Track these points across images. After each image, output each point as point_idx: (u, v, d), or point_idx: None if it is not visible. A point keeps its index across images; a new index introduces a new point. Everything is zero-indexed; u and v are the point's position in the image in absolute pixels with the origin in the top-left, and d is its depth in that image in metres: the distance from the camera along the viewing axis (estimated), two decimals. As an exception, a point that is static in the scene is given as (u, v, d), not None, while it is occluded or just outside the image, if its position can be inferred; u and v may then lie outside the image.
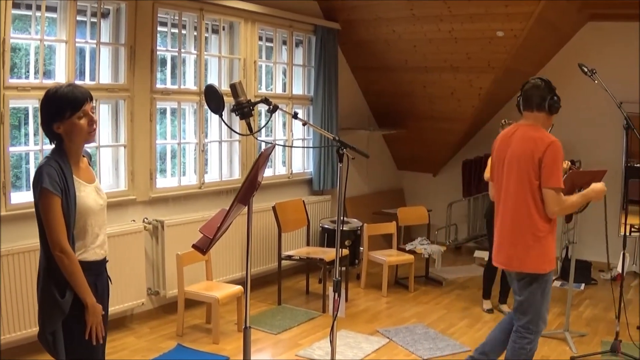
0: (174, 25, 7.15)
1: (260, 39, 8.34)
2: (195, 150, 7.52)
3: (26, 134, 6.01)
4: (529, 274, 4.84)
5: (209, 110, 3.94)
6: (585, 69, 6.34)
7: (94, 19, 6.27)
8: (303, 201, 8.46)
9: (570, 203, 4.84)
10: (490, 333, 5.42)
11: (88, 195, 3.49)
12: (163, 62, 7.25)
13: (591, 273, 9.48)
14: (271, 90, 8.68)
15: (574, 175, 6.33)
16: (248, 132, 3.92)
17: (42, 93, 3.49)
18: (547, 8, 7.98)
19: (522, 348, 4.95)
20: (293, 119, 4.54)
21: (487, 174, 7.50)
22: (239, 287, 6.66)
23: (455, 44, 8.99)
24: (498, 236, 5.03)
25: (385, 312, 7.71)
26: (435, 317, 7.56)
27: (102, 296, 3.62)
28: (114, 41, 6.51)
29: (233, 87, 3.81)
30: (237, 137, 7.99)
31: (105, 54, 6.48)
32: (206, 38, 7.55)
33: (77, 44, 6.09)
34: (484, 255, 8.11)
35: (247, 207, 3.79)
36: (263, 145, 8.13)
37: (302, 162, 9.32)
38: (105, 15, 6.44)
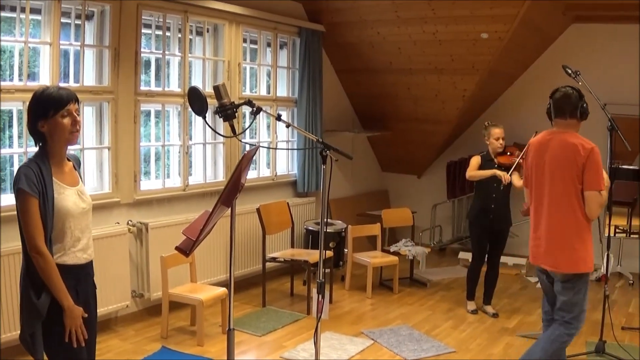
0: (158, 27, 7.18)
1: (245, 41, 8.38)
2: (179, 152, 7.55)
3: (10, 137, 6.02)
4: (576, 274, 5.00)
5: (193, 112, 3.97)
6: (569, 71, 6.43)
7: (78, 21, 6.29)
8: (287, 203, 8.50)
9: (605, 199, 5.04)
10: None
11: (67, 197, 3.52)
12: (147, 64, 7.28)
13: (575, 274, 9.50)
14: (255, 92, 8.70)
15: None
16: (232, 134, 3.95)
17: (26, 95, 3.55)
18: (531, 10, 8.06)
19: (560, 335, 5.12)
20: (277, 121, 4.58)
21: (470, 173, 7.59)
22: (223, 289, 6.69)
23: (440, 46, 9.06)
24: (545, 240, 5.14)
25: (370, 314, 7.75)
26: (420, 318, 7.61)
27: (86, 300, 3.64)
28: (98, 43, 6.54)
29: (216, 89, 3.85)
30: (221, 139, 8.02)
31: (89, 56, 6.51)
32: (190, 40, 7.58)
33: (61, 46, 6.12)
34: (469, 256, 8.17)
35: (230, 209, 3.82)
36: (247, 147, 8.16)
37: (286, 164, 9.37)
38: (89, 17, 6.46)
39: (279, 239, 8.58)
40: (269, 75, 8.92)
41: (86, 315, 3.56)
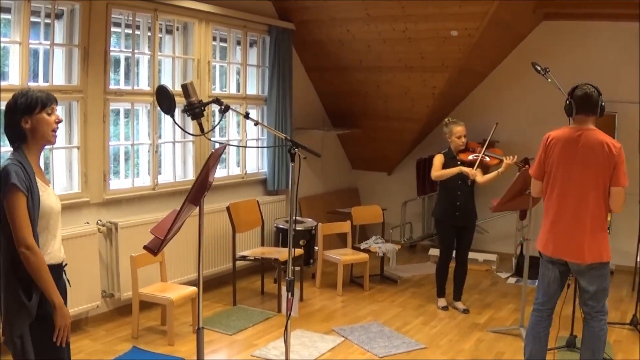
0: (127, 26, 7.19)
1: (214, 39, 8.40)
2: (148, 151, 7.56)
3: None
4: (602, 263, 5.24)
5: (162, 111, 4.01)
6: (539, 68, 6.57)
7: (48, 20, 6.28)
8: (257, 201, 8.56)
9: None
10: (530, 347, 5.71)
11: (50, 196, 3.57)
12: (117, 63, 7.29)
13: (546, 269, 9.64)
14: (225, 90, 8.75)
15: (527, 174, 6.58)
16: (200, 133, 3.99)
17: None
18: (501, 8, 8.17)
19: (602, 329, 5.39)
20: (246, 119, 4.62)
21: (436, 173, 7.65)
22: (193, 288, 6.72)
23: (410, 44, 9.13)
24: (573, 232, 5.28)
25: (341, 311, 7.81)
26: (391, 315, 7.68)
27: (64, 300, 3.64)
28: (68, 42, 6.54)
29: (184, 87, 3.89)
30: (190, 137, 8.05)
31: (59, 55, 6.51)
32: (160, 38, 7.61)
33: (30, 45, 6.12)
34: (438, 252, 8.27)
35: (198, 207, 3.86)
36: (216, 146, 8.17)
37: (256, 162, 9.41)
38: (59, 16, 6.47)
39: (249, 237, 8.61)
40: (238, 73, 8.94)
41: (70, 316, 3.59)
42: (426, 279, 9.31)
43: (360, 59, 9.75)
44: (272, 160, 9.26)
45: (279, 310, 7.53)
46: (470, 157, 7.67)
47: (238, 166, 9.10)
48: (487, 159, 7.66)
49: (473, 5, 8.10)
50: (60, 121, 3.61)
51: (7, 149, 3.72)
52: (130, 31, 7.19)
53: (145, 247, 3.70)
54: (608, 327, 5.59)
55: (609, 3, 8.96)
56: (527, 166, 6.98)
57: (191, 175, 8.12)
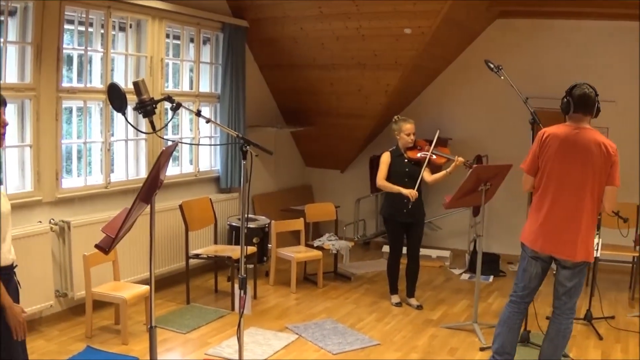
0: (81, 23, 7.18)
1: (168, 36, 8.43)
2: (101, 149, 7.57)
3: None
4: (585, 262, 5.41)
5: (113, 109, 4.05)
6: (492, 66, 6.70)
7: (1, 17, 6.25)
8: (210, 199, 8.60)
9: None
10: (502, 335, 5.83)
11: (1, 197, 3.58)
12: (70, 60, 7.28)
13: (499, 265, 9.92)
14: (178, 88, 8.78)
15: (479, 170, 6.72)
16: (152, 130, 4.04)
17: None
18: (455, 6, 8.31)
19: (568, 328, 5.58)
20: (198, 117, 4.68)
21: (380, 183, 7.78)
22: (146, 287, 6.75)
23: (363, 42, 9.24)
24: (564, 230, 5.41)
25: (295, 308, 7.90)
26: (344, 312, 7.79)
27: (15, 301, 3.67)
28: (21, 40, 6.52)
29: (136, 85, 3.94)
30: (143, 135, 8.05)
31: (11, 52, 6.50)
32: (113, 36, 7.60)
33: (-17, 43, 6.10)
34: None
35: (150, 205, 3.91)
36: (169, 144, 8.20)
37: (209, 160, 9.46)
38: (12, 13, 6.45)
39: (202, 235, 8.63)
40: (192, 71, 8.99)
41: (26, 312, 3.62)
42: (379, 275, 9.42)
43: (314, 56, 9.83)
44: (225, 158, 9.30)
45: (233, 309, 7.55)
46: (419, 154, 7.77)
47: (191, 164, 9.14)
48: (435, 157, 7.76)
49: (426, 4, 8.23)
50: (6, 124, 3.61)
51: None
52: (83, 28, 7.19)
53: (96, 246, 3.71)
54: None
55: (562, 2, 9.16)
56: (474, 166, 7.11)
57: (144, 174, 8.12)
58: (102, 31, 7.42)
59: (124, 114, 3.94)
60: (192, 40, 8.89)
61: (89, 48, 7.30)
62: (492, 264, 9.73)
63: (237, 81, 9.24)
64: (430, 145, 7.80)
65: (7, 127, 3.63)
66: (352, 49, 9.43)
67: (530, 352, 6.48)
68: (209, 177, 9.33)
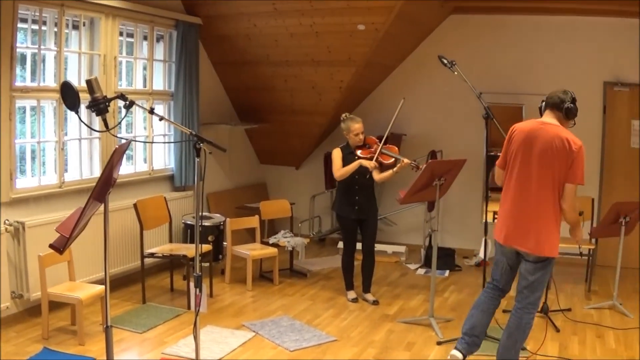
0: (34, 22, 7.16)
1: (121, 34, 8.42)
2: (55, 148, 7.56)
3: None
4: (548, 257, 5.53)
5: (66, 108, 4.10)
6: (445, 61, 6.85)
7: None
8: (165, 198, 8.61)
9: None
10: (475, 317, 6.02)
11: None
12: (23, 59, 7.26)
13: (455, 260, 10.13)
14: (132, 86, 8.77)
15: (434, 165, 6.87)
16: (105, 129, 4.10)
17: None
18: (408, 2, 8.43)
19: (528, 323, 5.66)
20: (151, 115, 4.74)
21: (338, 173, 7.84)
22: (102, 287, 6.68)
23: (317, 38, 9.32)
24: (522, 222, 5.61)
25: (251, 306, 7.94)
26: (301, 308, 7.89)
27: None
28: (-26, 39, 6.50)
29: (89, 83, 4.01)
30: (97, 134, 8.03)
31: (-36, 52, 6.47)
32: (67, 34, 7.58)
33: None
34: None
35: (103, 204, 3.97)
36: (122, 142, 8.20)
37: (163, 158, 9.47)
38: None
39: (157, 234, 8.61)
40: (145, 68, 8.99)
41: None
42: (335, 272, 9.49)
43: (268, 53, 9.89)
44: (179, 156, 9.33)
45: (189, 307, 7.57)
46: (368, 153, 7.86)
47: (145, 163, 9.15)
48: (382, 156, 7.84)
49: (380, 0, 8.34)
50: None
51: None
52: (36, 27, 7.19)
53: (51, 246, 3.75)
54: None
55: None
56: (420, 167, 7.24)
57: (98, 173, 8.08)
58: (56, 29, 7.40)
59: (77, 112, 3.98)
60: (145, 38, 8.88)
61: (42, 47, 7.29)
62: (447, 259, 9.92)
63: (190, 79, 9.27)
64: (380, 141, 7.90)
65: None
66: (305, 45, 9.51)
67: (488, 345, 6.59)
68: (163, 175, 9.34)
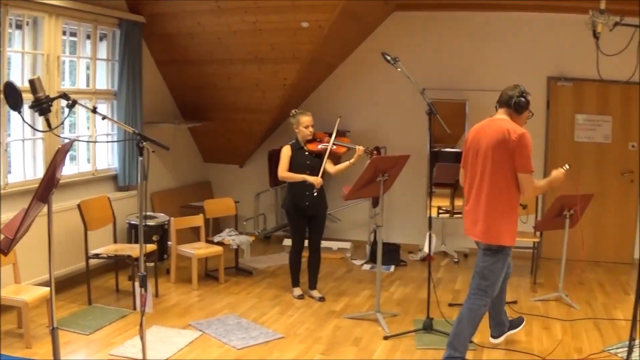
0: (-23, 22, 7.12)
1: (65, 33, 8.39)
2: (-3, 149, 7.54)
3: None
4: (500, 245, 5.82)
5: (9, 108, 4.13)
6: (389, 58, 6.99)
7: None
8: (108, 198, 8.61)
9: (538, 186, 5.94)
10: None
11: None
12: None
13: (400, 255, 10.34)
14: (75, 85, 8.74)
15: (378, 161, 7.04)
16: (48, 129, 4.15)
17: None
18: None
19: (479, 309, 5.94)
20: (94, 114, 4.79)
21: (283, 175, 7.95)
22: (47, 289, 6.63)
23: (260, 36, 9.38)
24: (473, 213, 5.97)
25: (197, 305, 8.01)
26: (247, 306, 7.98)
27: None
28: None
29: (32, 82, 4.06)
30: (40, 134, 7.99)
31: None
32: (10, 34, 7.54)
33: None
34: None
35: (47, 205, 4.02)
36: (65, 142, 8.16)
37: (106, 158, 9.46)
38: None
39: (102, 234, 8.53)
40: (88, 68, 8.97)
41: None
42: (281, 269, 9.66)
43: (211, 51, 9.94)
44: (123, 155, 9.31)
45: (135, 308, 7.55)
46: (319, 146, 8.00)
47: (88, 163, 9.14)
48: (335, 147, 7.99)
49: (324, -3, 8.49)
50: None
51: None
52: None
53: (-5, 247, 3.80)
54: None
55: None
56: (373, 157, 7.39)
57: (41, 174, 7.97)
58: (-1, 29, 7.38)
59: (20, 112, 4.03)
60: (88, 37, 8.85)
61: (-15, 47, 7.27)
62: (392, 254, 10.14)
63: (133, 77, 9.27)
64: (330, 137, 8.04)
65: None
66: (249, 43, 9.58)
67: (433, 339, 6.83)
68: (107, 175, 9.32)
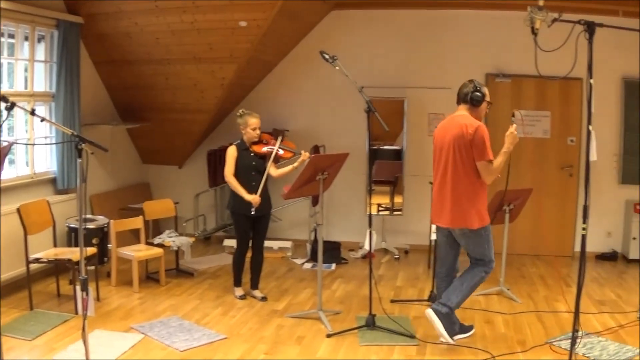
0: None
1: (2, 35, 8.32)
2: None
3: None
4: (470, 229, 6.54)
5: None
6: (327, 56, 7.15)
7: None
8: (47, 201, 8.56)
9: (498, 165, 6.51)
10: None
11: None
12: None
13: (341, 253, 10.52)
14: (13, 88, 8.71)
15: (317, 160, 7.18)
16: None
17: None
18: (290, -2, 8.76)
19: (480, 272, 6.74)
20: (32, 116, 4.83)
21: (229, 179, 8.01)
22: None
23: (198, 35, 9.46)
24: (441, 203, 6.69)
25: (139, 308, 8.03)
26: (189, 308, 8.03)
27: None
28: None
29: (-31, 86, 4.13)
30: (-23, 138, 7.95)
31: None
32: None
33: None
34: (233, 243, 8.71)
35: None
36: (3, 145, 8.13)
37: (45, 161, 9.43)
38: None
39: (42, 238, 8.45)
40: (26, 70, 8.93)
41: None
42: (222, 269, 9.78)
43: (149, 51, 9.97)
44: (61, 158, 9.30)
45: (77, 312, 7.49)
46: (265, 149, 8.08)
47: (27, 166, 9.09)
48: (281, 152, 8.09)
49: (262, -4, 8.64)
50: None
51: None
52: None
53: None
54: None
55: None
56: (312, 155, 7.52)
57: None
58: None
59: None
60: (26, 39, 8.82)
61: None
62: (333, 252, 10.34)
63: (71, 79, 9.26)
64: (276, 139, 8.15)
65: None
66: (187, 43, 9.64)
67: (376, 335, 7.01)
68: (46, 178, 9.29)
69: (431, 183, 7.08)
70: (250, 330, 7.27)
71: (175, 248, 9.53)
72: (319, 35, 11.08)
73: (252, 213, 7.92)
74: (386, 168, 11.13)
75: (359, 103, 7.34)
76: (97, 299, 8.22)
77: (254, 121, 8.06)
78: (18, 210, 7.94)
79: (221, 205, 11.68)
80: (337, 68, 7.09)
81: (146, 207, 9.69)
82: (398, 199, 11.14)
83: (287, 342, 6.89)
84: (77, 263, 7.28)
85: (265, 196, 8.15)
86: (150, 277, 9.31)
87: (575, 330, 5.38)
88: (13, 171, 8.84)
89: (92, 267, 8.38)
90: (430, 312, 6.64)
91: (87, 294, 4.60)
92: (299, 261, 10.43)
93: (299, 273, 9.77)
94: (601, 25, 5.08)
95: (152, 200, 11.04)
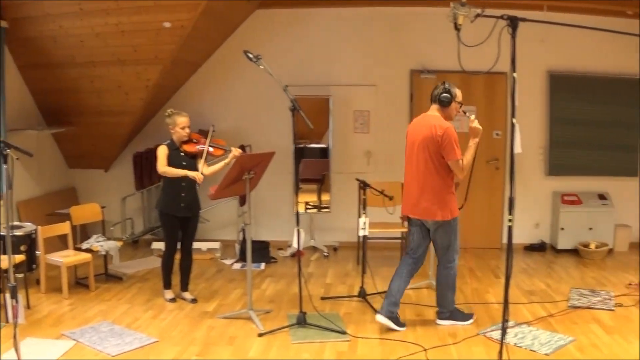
0: None
1: None
2: None
3: None
4: (441, 221, 7.08)
5: None
6: (251, 56, 7.29)
7: None
8: (-28, 209, 8.52)
9: (468, 161, 7.02)
10: (393, 279, 7.34)
11: None
12: None
13: (270, 252, 10.71)
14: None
15: (242, 159, 7.32)
16: None
17: None
18: (214, -1, 8.90)
19: (449, 273, 7.34)
20: None
21: (163, 169, 8.04)
22: None
23: (123, 37, 9.48)
24: (414, 197, 7.17)
25: (69, 314, 7.97)
26: (119, 312, 8.03)
27: None
28: None
29: None
30: None
31: None
32: None
33: None
34: (162, 246, 8.71)
35: None
36: None
37: (-30, 168, 9.29)
38: None
39: None
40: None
41: None
42: (151, 273, 9.83)
43: (73, 54, 9.93)
44: (-15, 164, 9.17)
45: (7, 320, 7.29)
46: (197, 147, 8.15)
47: (-49, 173, 8.96)
48: (212, 149, 8.19)
49: (187, -4, 8.76)
50: None
51: None
52: None
53: None
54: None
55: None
56: (244, 152, 7.63)
57: None
58: None
59: None
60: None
61: None
62: (262, 251, 10.53)
63: (-4, 84, 9.23)
64: (205, 138, 8.24)
65: None
66: (111, 45, 9.64)
67: (308, 333, 7.17)
68: (-30, 185, 9.22)
69: (358, 180, 7.36)
70: (181, 332, 7.31)
71: (103, 253, 9.52)
72: (243, 34, 11.22)
73: (197, 186, 8.13)
74: (312, 166, 11.27)
75: (285, 102, 7.49)
76: (27, 306, 8.15)
77: (183, 120, 8.11)
78: (-57, 218, 7.86)
79: (148, 208, 11.73)
80: (261, 67, 7.20)
81: (73, 212, 9.63)
82: (325, 197, 11.32)
83: (218, 343, 6.97)
84: (6, 271, 7.26)
85: (194, 197, 8.27)
86: (79, 282, 9.27)
87: (505, 320, 5.52)
88: (-63, 180, 8.73)
89: (21, 275, 8.25)
90: (441, 322, 7.46)
91: (16, 302, 4.61)
92: (228, 262, 10.54)
93: (228, 273, 9.88)
94: (524, 19, 5.22)
95: (78, 205, 10.83)
